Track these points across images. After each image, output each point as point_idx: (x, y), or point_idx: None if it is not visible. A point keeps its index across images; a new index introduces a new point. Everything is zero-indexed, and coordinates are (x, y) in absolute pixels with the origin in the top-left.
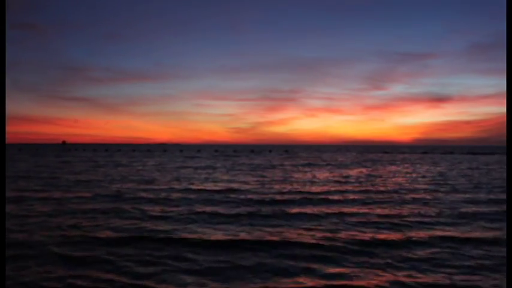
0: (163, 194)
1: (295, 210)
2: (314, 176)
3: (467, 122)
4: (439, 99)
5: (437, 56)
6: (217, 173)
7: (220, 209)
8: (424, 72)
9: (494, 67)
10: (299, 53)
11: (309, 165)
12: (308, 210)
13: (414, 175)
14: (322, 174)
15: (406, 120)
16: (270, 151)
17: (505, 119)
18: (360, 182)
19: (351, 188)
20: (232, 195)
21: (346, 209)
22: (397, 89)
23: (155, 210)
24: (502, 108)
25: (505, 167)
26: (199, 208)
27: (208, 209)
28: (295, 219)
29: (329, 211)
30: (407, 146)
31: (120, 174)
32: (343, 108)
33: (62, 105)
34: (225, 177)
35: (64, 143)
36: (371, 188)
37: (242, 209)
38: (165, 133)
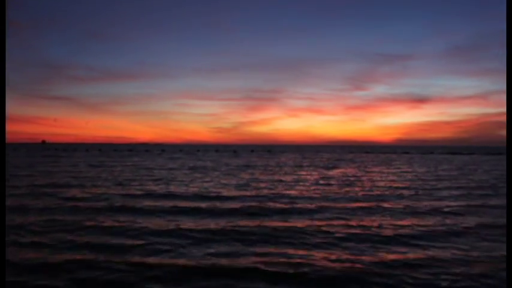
0: (132, 201)
1: (274, 222)
2: (296, 179)
3: (448, 123)
4: (419, 100)
5: (418, 57)
6: (197, 173)
7: (190, 222)
8: (405, 73)
9: (473, 69)
10: (281, 53)
11: (291, 166)
12: (289, 223)
13: (397, 177)
14: (304, 176)
15: (387, 120)
16: (252, 151)
17: (484, 119)
18: (342, 185)
19: (334, 192)
20: (208, 203)
21: (327, 222)
22: (378, 89)
23: (120, 220)
24: (481, 109)
25: (484, 167)
26: (169, 219)
27: (179, 223)
28: (271, 236)
29: (310, 224)
30: (388, 146)
31: (93, 176)
32: (324, 108)
33: (43, 104)
34: (205, 180)
35: (44, 142)
36: (355, 193)
37: (215, 222)
38: (147, 133)
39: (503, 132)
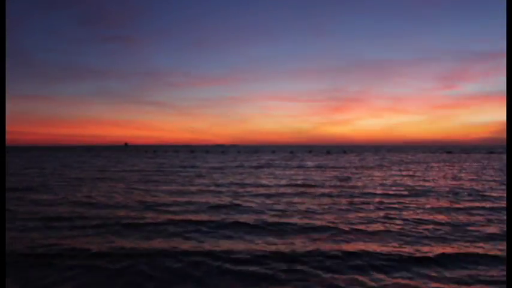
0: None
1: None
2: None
3: None
4: None
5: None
6: (229, 174)
7: (188, 243)
8: (499, 70)
9: None
10: (370, 55)
11: (326, 167)
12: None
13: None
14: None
15: (475, 118)
16: (328, 152)
17: None
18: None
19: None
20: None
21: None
22: (469, 87)
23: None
24: None
25: None
26: (161, 238)
27: (175, 243)
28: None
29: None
30: (474, 147)
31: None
32: (409, 107)
33: (134, 109)
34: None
35: (126, 144)
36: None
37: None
38: (225, 135)
39: None
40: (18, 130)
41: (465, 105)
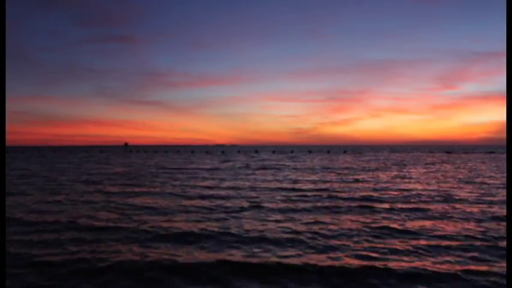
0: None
1: None
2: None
3: None
4: None
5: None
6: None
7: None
8: (500, 70)
9: None
10: (371, 55)
11: (321, 169)
12: None
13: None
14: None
15: (474, 118)
16: (328, 151)
17: None
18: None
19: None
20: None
21: None
22: (469, 87)
23: None
24: None
25: None
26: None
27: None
28: None
29: None
30: (473, 147)
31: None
32: (409, 107)
33: (134, 108)
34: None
35: (126, 145)
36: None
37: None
38: (226, 135)
39: None
40: (18, 130)
41: (465, 105)
